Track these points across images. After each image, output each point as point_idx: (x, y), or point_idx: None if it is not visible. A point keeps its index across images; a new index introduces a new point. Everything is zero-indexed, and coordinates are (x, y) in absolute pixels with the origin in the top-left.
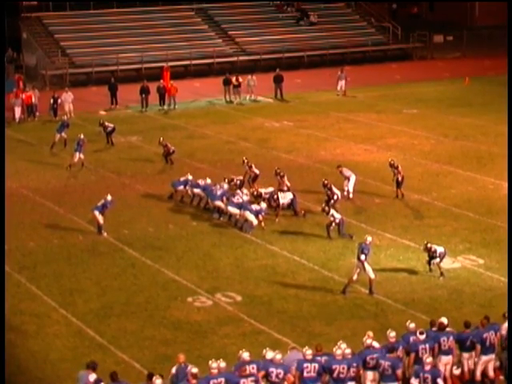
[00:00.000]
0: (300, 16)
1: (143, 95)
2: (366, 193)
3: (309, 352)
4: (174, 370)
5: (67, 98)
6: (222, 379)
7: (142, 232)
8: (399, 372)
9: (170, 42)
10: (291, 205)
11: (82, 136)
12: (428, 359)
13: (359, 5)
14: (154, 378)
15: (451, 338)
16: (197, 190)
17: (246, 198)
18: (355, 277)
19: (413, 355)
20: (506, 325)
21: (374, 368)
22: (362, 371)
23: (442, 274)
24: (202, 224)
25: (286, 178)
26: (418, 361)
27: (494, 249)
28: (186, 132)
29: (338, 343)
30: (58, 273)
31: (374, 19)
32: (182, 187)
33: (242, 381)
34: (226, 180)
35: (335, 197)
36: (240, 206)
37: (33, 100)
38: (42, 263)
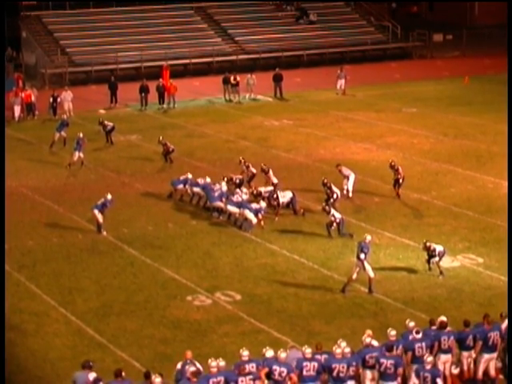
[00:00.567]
0: (299, 15)
1: (143, 94)
2: (366, 192)
3: (308, 351)
4: (179, 366)
5: (67, 96)
6: (222, 378)
7: (141, 231)
8: (401, 370)
9: (170, 41)
10: (290, 203)
11: (81, 135)
12: (429, 358)
13: (359, 4)
14: (153, 377)
15: (452, 337)
16: (196, 189)
17: (245, 196)
18: (355, 276)
19: (409, 354)
20: (504, 324)
21: (374, 367)
22: (361, 370)
23: (441, 272)
24: (201, 223)
25: (271, 173)
26: (415, 359)
27: (493, 248)
28: (186, 131)
29: (338, 342)
30: (57, 272)
31: (373, 18)
32: (181, 186)
33: (241, 379)
34: (225, 179)
35: (335, 196)
36: (239, 205)
37: (32, 99)
38: (41, 262)
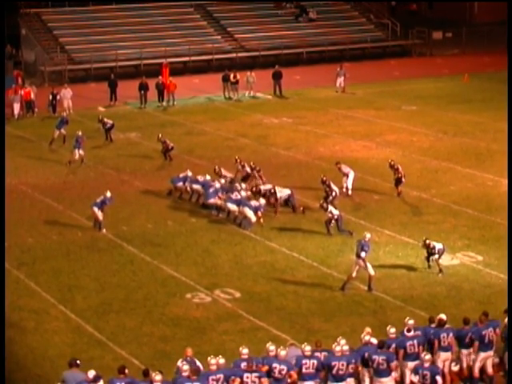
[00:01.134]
0: (299, 12)
1: (142, 92)
2: (365, 189)
3: (307, 348)
4: (179, 363)
5: (66, 94)
6: (221, 375)
7: (140, 228)
8: (393, 365)
9: (169, 39)
10: (288, 201)
11: (80, 133)
12: (427, 356)
13: (358, 1)
14: (153, 375)
15: (451, 335)
16: (196, 186)
17: (244, 194)
18: (354, 274)
19: (401, 352)
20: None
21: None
22: (360, 368)
23: (440, 270)
24: (200, 220)
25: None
26: (408, 357)
27: (492, 245)
28: (185, 128)
29: (338, 339)
30: (56, 269)
31: (373, 16)
32: (181, 184)
33: (246, 375)
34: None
35: (333, 193)
36: (239, 203)
37: (31, 96)
38: (40, 259)
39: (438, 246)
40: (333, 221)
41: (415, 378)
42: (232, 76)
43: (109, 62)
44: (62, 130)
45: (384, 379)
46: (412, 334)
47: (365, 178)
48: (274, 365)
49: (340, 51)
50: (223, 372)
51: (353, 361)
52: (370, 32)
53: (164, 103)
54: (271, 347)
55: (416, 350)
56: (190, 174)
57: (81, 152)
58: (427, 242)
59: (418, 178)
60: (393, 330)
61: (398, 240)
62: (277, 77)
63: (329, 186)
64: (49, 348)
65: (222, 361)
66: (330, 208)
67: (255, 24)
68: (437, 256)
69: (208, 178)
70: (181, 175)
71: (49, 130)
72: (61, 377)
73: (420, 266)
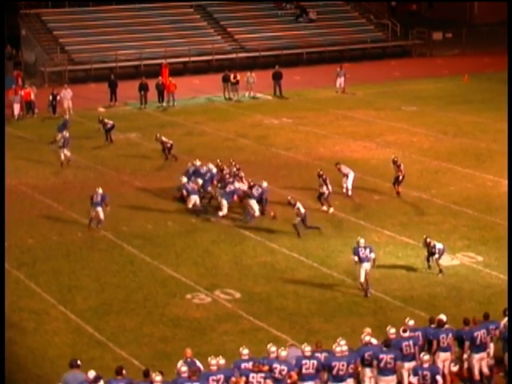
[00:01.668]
0: (299, 13)
1: (142, 92)
2: (365, 190)
3: (307, 349)
4: (179, 365)
5: (66, 94)
6: (222, 376)
7: (140, 229)
8: (398, 364)
9: (169, 39)
10: (261, 201)
11: (67, 134)
12: (425, 356)
13: (358, 2)
14: (153, 375)
15: (450, 335)
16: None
17: (243, 186)
18: (362, 279)
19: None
20: (504, 321)
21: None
22: (360, 368)
23: (440, 270)
24: (200, 221)
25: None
26: (404, 358)
27: (492, 246)
28: (185, 129)
29: (338, 340)
30: (56, 269)
31: (373, 16)
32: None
33: (252, 375)
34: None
35: (325, 189)
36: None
37: (32, 97)
38: (40, 260)
39: (439, 245)
40: (298, 218)
41: (414, 379)
42: (232, 76)
43: (109, 62)
44: (65, 133)
45: (390, 377)
46: (408, 334)
47: (365, 178)
48: (275, 365)
49: (340, 51)
50: (223, 372)
51: (353, 361)
52: (370, 32)
53: (164, 104)
54: (272, 348)
55: (412, 350)
56: (198, 163)
57: (66, 152)
58: (428, 240)
59: (418, 178)
60: (393, 330)
61: (398, 240)
62: (277, 77)
63: (324, 181)
64: (49, 348)
65: (222, 361)
66: (298, 204)
67: (255, 24)
68: (437, 255)
69: (211, 166)
70: (189, 185)
71: (49, 130)
72: (61, 378)
73: (420, 267)
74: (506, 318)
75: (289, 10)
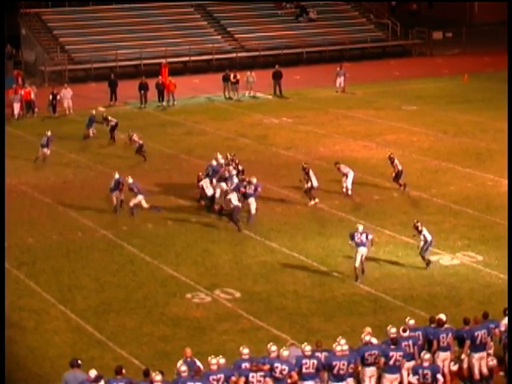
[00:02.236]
0: (299, 12)
1: (142, 91)
2: (365, 189)
3: (307, 348)
4: (179, 364)
5: (66, 94)
6: (222, 375)
7: (140, 228)
8: (404, 361)
9: (169, 39)
10: (213, 199)
11: (49, 133)
12: (426, 355)
13: (358, 1)
14: (153, 375)
15: (450, 335)
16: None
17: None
18: (358, 264)
19: None
20: (505, 321)
21: (373, 364)
22: (360, 367)
23: (428, 262)
24: (200, 220)
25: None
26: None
27: (492, 245)
28: (185, 128)
29: (338, 339)
30: (56, 269)
31: (373, 16)
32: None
33: (252, 375)
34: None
35: (309, 184)
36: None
37: (32, 96)
38: (40, 259)
39: (428, 235)
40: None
41: (414, 379)
42: (232, 76)
43: (109, 61)
44: (93, 129)
45: (395, 376)
46: (408, 334)
47: (365, 177)
48: (276, 364)
49: (340, 51)
50: (224, 372)
51: (353, 361)
52: (370, 32)
53: (164, 103)
54: (273, 348)
55: (411, 350)
56: (215, 163)
57: (45, 150)
58: (417, 224)
59: (418, 177)
60: (393, 330)
61: (398, 240)
62: (277, 77)
63: (307, 175)
64: (49, 348)
65: (222, 361)
66: (230, 196)
67: (255, 24)
68: (422, 243)
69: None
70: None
71: (49, 129)
72: (62, 377)
73: (420, 266)
74: (507, 318)
75: (289, 9)
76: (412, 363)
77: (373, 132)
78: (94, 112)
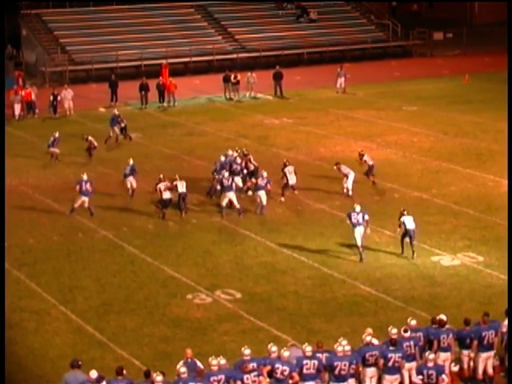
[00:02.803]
0: (300, 13)
1: (143, 92)
2: (366, 190)
3: (308, 349)
4: (178, 366)
5: (67, 95)
6: (222, 376)
7: (141, 229)
8: (403, 362)
9: (170, 39)
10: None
11: (57, 134)
12: (430, 355)
13: (359, 2)
14: (154, 375)
15: (451, 335)
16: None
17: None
18: (359, 243)
19: None
20: (506, 322)
21: (374, 365)
22: (361, 368)
23: (413, 252)
24: (201, 221)
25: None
26: (405, 358)
27: (493, 246)
28: (186, 129)
29: (339, 340)
30: (57, 270)
31: (373, 16)
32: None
33: (246, 376)
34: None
35: (285, 180)
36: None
37: (32, 97)
38: (41, 260)
39: (410, 224)
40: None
41: (417, 379)
42: (233, 77)
43: (109, 62)
44: (116, 128)
45: (395, 376)
46: (409, 334)
47: (365, 178)
48: (277, 365)
49: (341, 52)
50: (224, 373)
51: (354, 361)
52: (371, 32)
53: (165, 104)
54: (273, 348)
55: (413, 351)
56: (230, 152)
57: (55, 150)
58: (403, 212)
59: (418, 178)
60: (394, 330)
61: (399, 240)
62: (277, 77)
63: (282, 171)
64: (49, 349)
65: (223, 361)
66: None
67: (256, 25)
68: (399, 229)
69: (231, 153)
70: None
71: (49, 130)
72: (62, 378)
73: (421, 267)
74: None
75: (289, 10)
76: (412, 364)
77: (373, 133)
78: (116, 111)
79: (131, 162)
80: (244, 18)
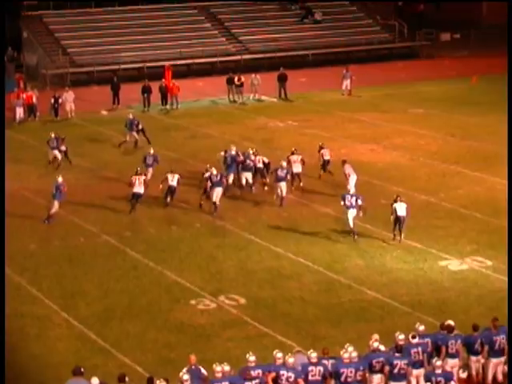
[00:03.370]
0: (304, 14)
1: (145, 94)
2: (372, 193)
3: (314, 355)
4: (181, 373)
5: (68, 97)
6: (227, 383)
7: (144, 234)
8: (409, 369)
9: (173, 41)
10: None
11: (53, 135)
12: (438, 362)
13: (364, 3)
14: (157, 382)
15: (459, 342)
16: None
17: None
18: (351, 223)
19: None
20: None
21: (380, 371)
22: (367, 375)
23: (399, 235)
24: (205, 225)
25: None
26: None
27: (501, 250)
28: (189, 132)
29: (345, 346)
30: (59, 275)
31: (379, 17)
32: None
33: (247, 383)
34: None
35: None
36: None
37: (33, 100)
38: (43, 265)
39: (399, 211)
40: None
41: None
42: (236, 79)
43: (111, 64)
44: (134, 133)
45: (402, 383)
46: (417, 340)
47: (371, 181)
48: (282, 372)
49: (346, 53)
50: (229, 380)
51: (361, 368)
52: (377, 33)
53: (167, 106)
54: (279, 354)
55: (421, 357)
56: (234, 148)
57: (56, 153)
58: (397, 198)
59: (425, 181)
60: (401, 336)
61: (406, 245)
62: (282, 79)
63: (288, 161)
64: (51, 355)
65: (227, 368)
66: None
67: (260, 26)
68: (392, 217)
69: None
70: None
71: (53, 132)
72: None
73: (428, 272)
74: None
75: (294, 11)
76: (420, 370)
77: (379, 135)
78: (131, 115)
79: (152, 151)
80: (248, 19)
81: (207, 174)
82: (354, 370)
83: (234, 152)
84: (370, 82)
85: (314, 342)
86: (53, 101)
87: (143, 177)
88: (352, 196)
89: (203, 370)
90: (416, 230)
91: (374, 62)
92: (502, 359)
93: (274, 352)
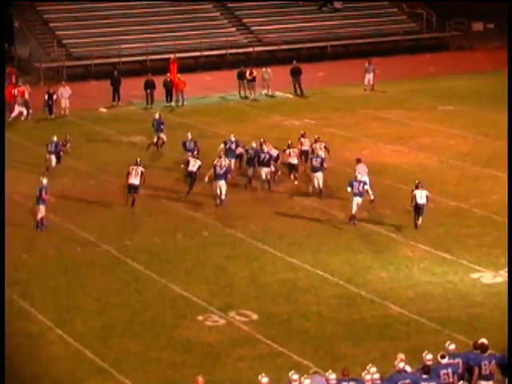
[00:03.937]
0: (323, 2)
1: (148, 90)
2: (397, 199)
3: (332, 376)
4: None
5: (64, 93)
6: None
7: (146, 243)
8: None
9: (178, 32)
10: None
11: (55, 138)
12: None
13: None
14: None
15: (493, 362)
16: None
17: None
18: (354, 211)
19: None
20: None
21: None
22: None
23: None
24: (213, 234)
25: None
26: None
27: None
28: (197, 131)
29: (368, 367)
30: (53, 288)
31: (405, 5)
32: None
33: None
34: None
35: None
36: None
37: (26, 96)
38: (36, 277)
39: (418, 199)
40: None
41: None
42: (248, 73)
43: (111, 57)
44: (162, 135)
45: None
46: (446, 361)
47: (396, 185)
48: None
49: (369, 45)
50: None
51: None
52: (403, 23)
53: (172, 103)
54: (294, 376)
55: (451, 379)
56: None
57: (52, 158)
58: (418, 184)
59: (455, 185)
60: (429, 356)
61: (434, 255)
62: (295, 73)
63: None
64: (44, 377)
65: None
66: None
67: (274, 15)
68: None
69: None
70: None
71: (44, 133)
72: None
73: (459, 285)
74: None
75: None
76: None
77: (405, 135)
78: (157, 115)
79: (190, 135)
80: (260, 8)
81: (215, 161)
82: None
83: (254, 145)
84: (395, 76)
85: (333, 362)
86: (47, 97)
87: (141, 168)
88: (360, 182)
89: None
90: (445, 239)
91: (399, 55)
92: None
93: (290, 373)
